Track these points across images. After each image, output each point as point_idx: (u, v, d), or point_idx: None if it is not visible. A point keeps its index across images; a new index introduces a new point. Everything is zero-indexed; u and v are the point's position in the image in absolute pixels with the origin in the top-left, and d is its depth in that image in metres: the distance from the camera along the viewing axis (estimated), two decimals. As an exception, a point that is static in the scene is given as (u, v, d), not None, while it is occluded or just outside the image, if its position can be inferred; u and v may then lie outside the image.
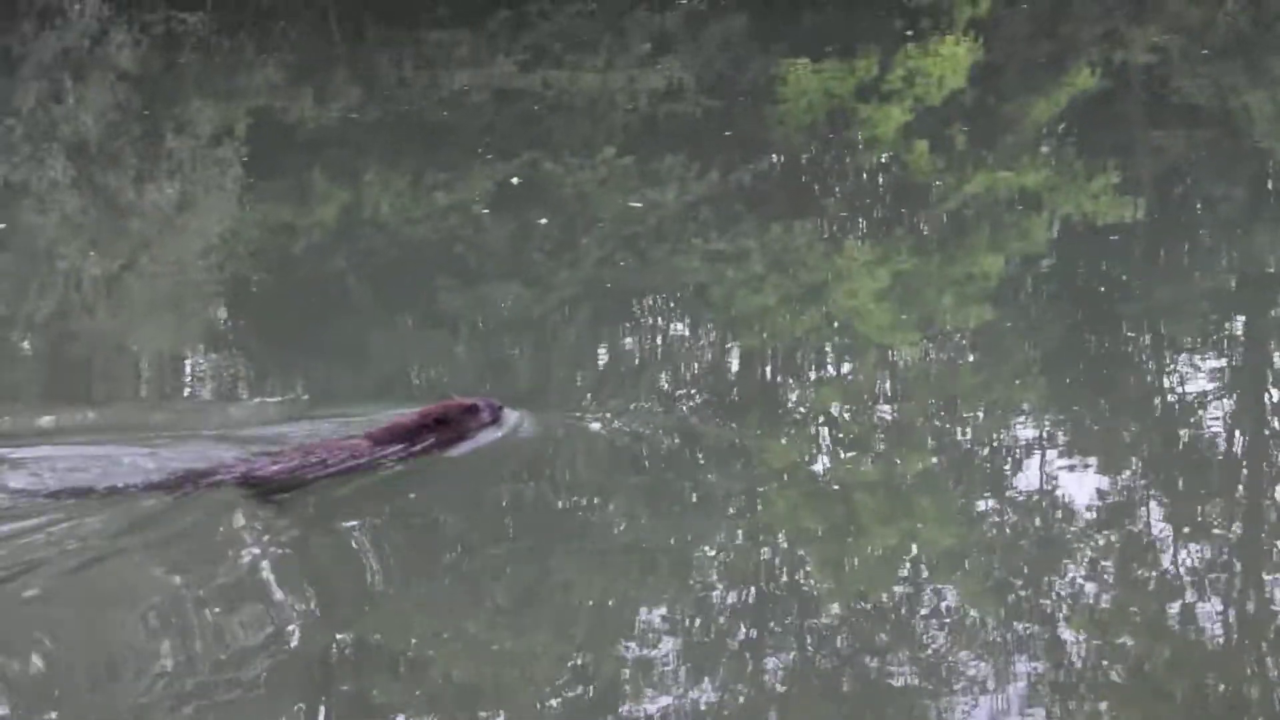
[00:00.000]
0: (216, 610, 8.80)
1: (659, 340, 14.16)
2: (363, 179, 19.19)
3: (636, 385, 12.66)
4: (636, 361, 13.53)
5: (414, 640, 8.73)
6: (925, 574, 9.66)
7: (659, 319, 14.84)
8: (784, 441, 11.63)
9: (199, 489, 10.10)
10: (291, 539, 9.66)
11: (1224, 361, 13.37)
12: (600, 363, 13.54)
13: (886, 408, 12.31)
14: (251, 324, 15.00)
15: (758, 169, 19.62)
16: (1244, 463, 11.53)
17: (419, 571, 9.52)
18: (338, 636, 8.70)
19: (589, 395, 12.58)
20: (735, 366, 13.35)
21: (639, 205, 17.94)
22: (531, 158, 19.94)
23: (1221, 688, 8.30)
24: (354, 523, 9.96)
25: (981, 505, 10.70)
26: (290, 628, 8.72)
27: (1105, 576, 9.62)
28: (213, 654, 8.38)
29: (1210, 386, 12.68)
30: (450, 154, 20.57)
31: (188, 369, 13.83)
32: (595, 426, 11.50)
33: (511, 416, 11.16)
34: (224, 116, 22.92)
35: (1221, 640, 8.85)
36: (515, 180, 19.02)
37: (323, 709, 8.22)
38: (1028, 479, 11.06)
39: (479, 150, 20.67)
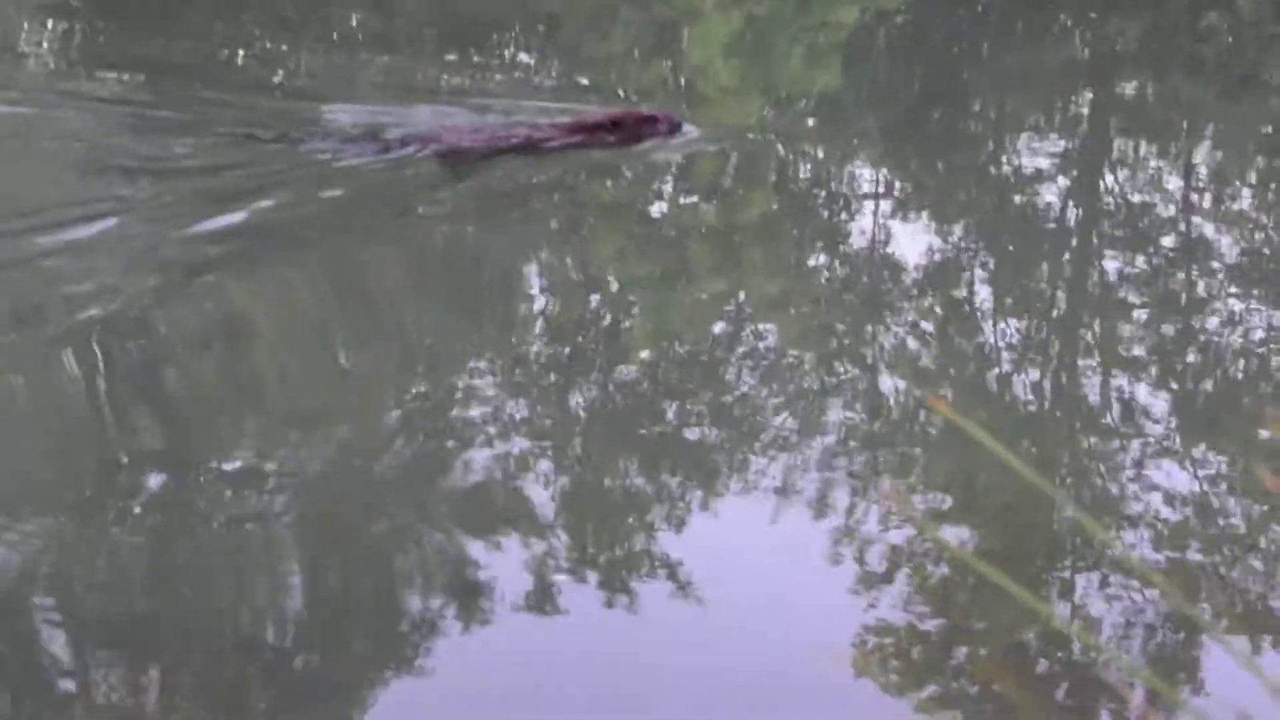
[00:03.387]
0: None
1: (502, 71, 13.91)
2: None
3: (479, 116, 12.42)
4: (476, 86, 13.27)
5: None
6: (750, 321, 9.65)
7: (504, 51, 14.58)
8: (615, 186, 11.53)
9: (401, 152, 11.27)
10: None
11: (1065, 136, 13.40)
12: (442, 85, 13.27)
13: (726, 160, 12.20)
14: (94, 18, 14.59)
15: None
16: (1074, 237, 11.58)
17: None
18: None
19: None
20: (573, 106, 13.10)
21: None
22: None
23: (1034, 450, 8.40)
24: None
25: (812, 258, 10.70)
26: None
27: (926, 334, 9.67)
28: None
29: (1049, 160, 12.71)
30: None
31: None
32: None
33: (690, 130, 12.14)
34: None
35: (1035, 407, 8.96)
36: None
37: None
38: (860, 234, 11.06)
39: None
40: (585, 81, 13.70)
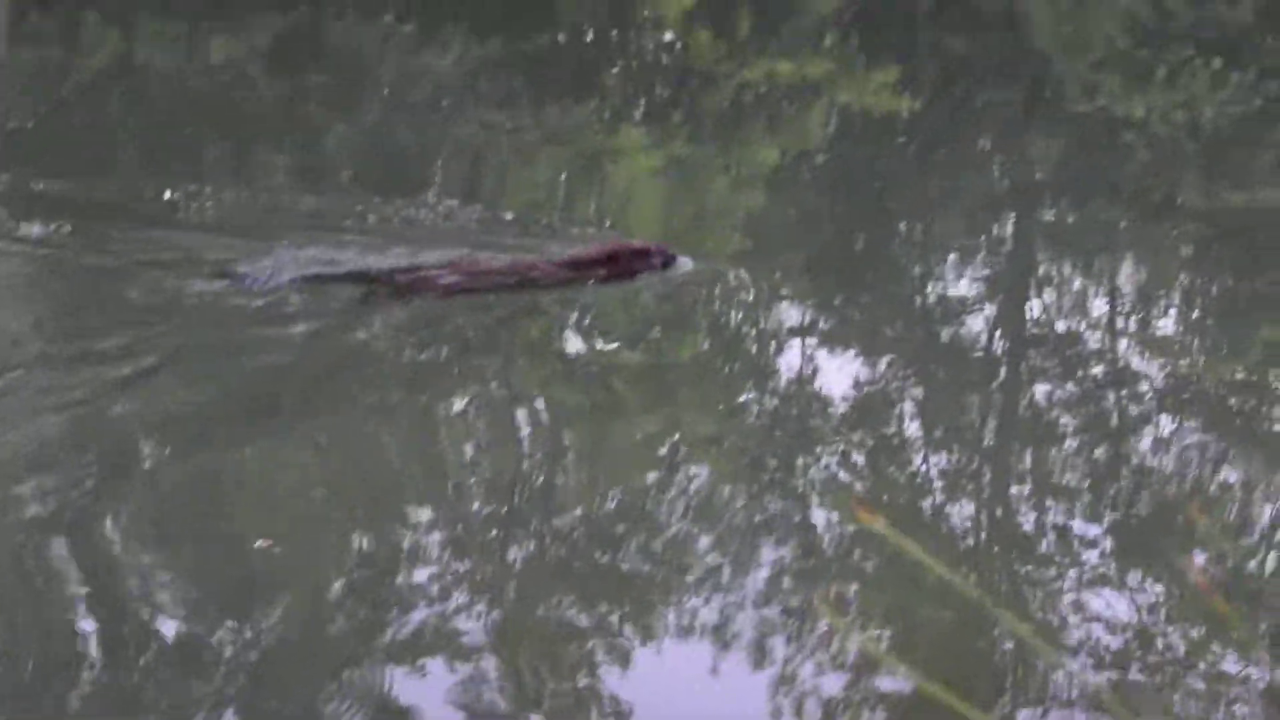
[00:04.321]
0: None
1: (427, 198, 13.94)
2: (137, 24, 18.73)
3: (386, 245, 12.39)
4: (397, 217, 13.25)
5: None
6: (682, 459, 9.66)
7: (429, 180, 14.63)
8: (545, 322, 11.54)
9: (377, 285, 11.30)
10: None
11: (989, 263, 13.49)
12: (354, 212, 13.25)
13: (651, 291, 12.22)
14: (17, 163, 14.57)
15: (540, 42, 19.43)
16: (1001, 365, 11.66)
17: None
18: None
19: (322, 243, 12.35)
20: (500, 232, 13.10)
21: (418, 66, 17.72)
22: (312, 13, 19.59)
23: (972, 577, 8.41)
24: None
25: (742, 393, 10.71)
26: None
27: (859, 467, 9.69)
28: None
29: (974, 287, 12.80)
30: (227, 6, 20.13)
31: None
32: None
33: (684, 263, 12.10)
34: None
35: (971, 539, 8.97)
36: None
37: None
38: (789, 367, 11.10)
39: (258, 4, 20.25)
40: (511, 216, 13.73)
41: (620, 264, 11.81)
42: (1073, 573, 8.50)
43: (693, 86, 18.24)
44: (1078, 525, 9.07)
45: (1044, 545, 8.86)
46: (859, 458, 9.85)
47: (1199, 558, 8.85)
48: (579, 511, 8.88)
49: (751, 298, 12.09)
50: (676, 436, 10.02)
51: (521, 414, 10.14)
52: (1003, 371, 11.59)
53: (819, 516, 8.92)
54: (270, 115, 16.20)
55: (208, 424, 9.42)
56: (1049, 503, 9.39)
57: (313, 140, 15.18)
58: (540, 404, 10.35)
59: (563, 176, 14.75)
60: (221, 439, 9.29)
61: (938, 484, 9.56)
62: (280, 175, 14.28)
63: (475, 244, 12.34)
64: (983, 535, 9.00)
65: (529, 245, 12.36)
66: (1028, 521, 9.14)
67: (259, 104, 16.52)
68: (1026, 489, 9.61)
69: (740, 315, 11.93)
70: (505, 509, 8.87)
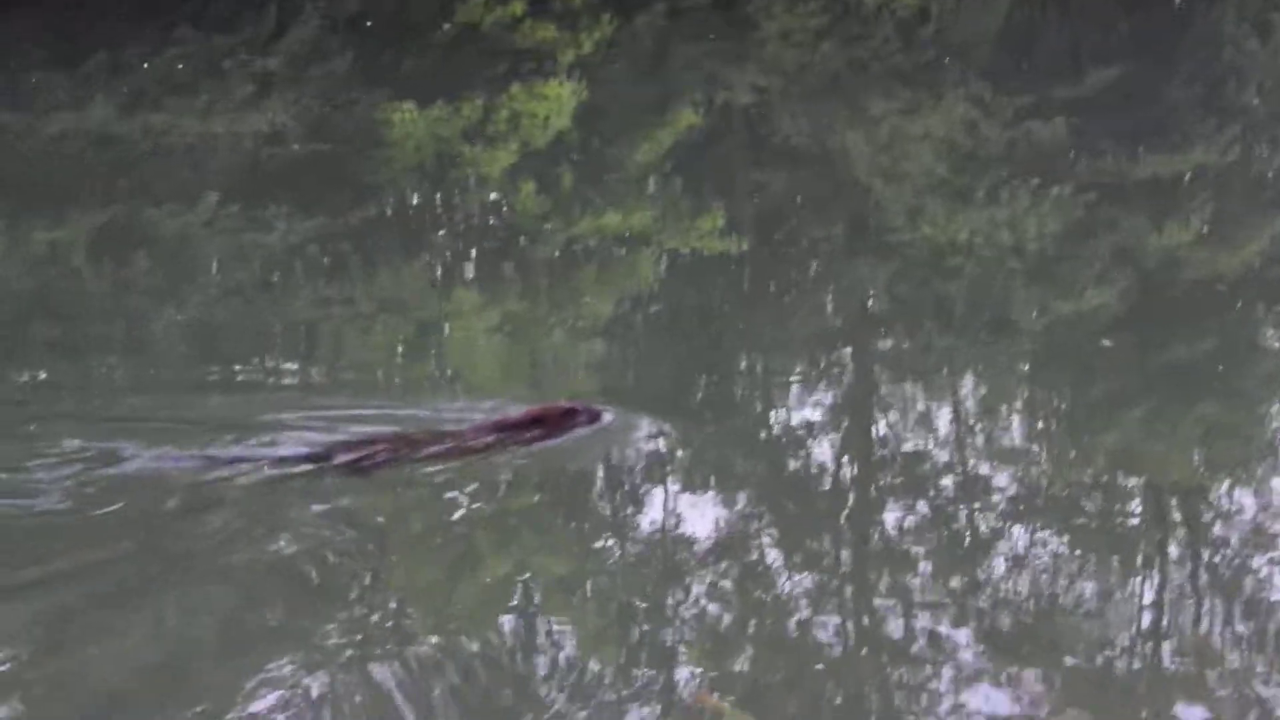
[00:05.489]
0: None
1: (269, 382, 13.85)
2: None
3: (247, 433, 12.28)
4: (233, 407, 13.11)
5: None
6: (541, 604, 9.66)
7: (268, 361, 14.55)
8: (400, 488, 11.49)
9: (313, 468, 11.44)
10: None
11: (829, 393, 13.61)
12: (200, 403, 13.14)
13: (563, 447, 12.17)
14: None
15: (365, 212, 19.43)
16: (850, 491, 11.76)
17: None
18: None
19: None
20: (341, 414, 12.97)
21: (244, 247, 17.66)
22: (132, 204, 19.47)
23: (838, 700, 8.44)
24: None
25: (594, 535, 10.76)
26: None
27: (724, 600, 9.75)
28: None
29: (816, 417, 12.91)
30: (46, 200, 19.95)
31: None
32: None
33: (608, 418, 12.20)
34: None
35: (838, 653, 9.05)
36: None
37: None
38: (646, 508, 11.15)
39: (77, 196, 20.10)
40: (353, 376, 13.71)
41: (549, 425, 11.94)
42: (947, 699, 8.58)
43: (521, 243, 18.29)
44: (945, 648, 9.15)
45: (914, 669, 8.93)
46: (724, 585, 9.92)
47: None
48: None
49: (638, 443, 12.15)
50: (536, 579, 10.05)
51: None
52: (852, 499, 11.70)
53: (686, 657, 8.96)
54: (96, 306, 16.07)
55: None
56: (914, 624, 9.47)
57: (142, 329, 15.06)
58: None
59: (400, 345, 14.74)
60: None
61: (803, 609, 9.64)
62: (117, 368, 14.15)
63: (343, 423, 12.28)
64: (853, 647, 9.10)
65: (402, 419, 12.30)
66: (893, 646, 9.22)
67: (83, 295, 16.38)
68: (889, 612, 9.68)
69: (624, 461, 11.97)
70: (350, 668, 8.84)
